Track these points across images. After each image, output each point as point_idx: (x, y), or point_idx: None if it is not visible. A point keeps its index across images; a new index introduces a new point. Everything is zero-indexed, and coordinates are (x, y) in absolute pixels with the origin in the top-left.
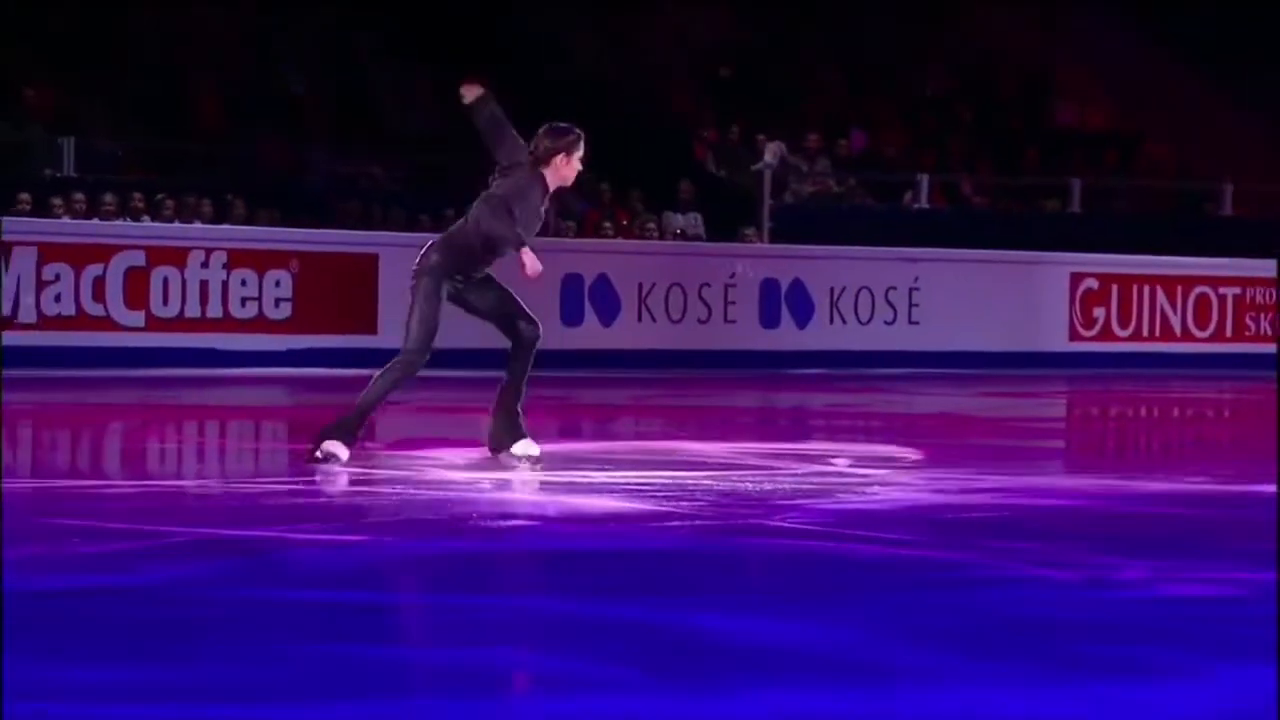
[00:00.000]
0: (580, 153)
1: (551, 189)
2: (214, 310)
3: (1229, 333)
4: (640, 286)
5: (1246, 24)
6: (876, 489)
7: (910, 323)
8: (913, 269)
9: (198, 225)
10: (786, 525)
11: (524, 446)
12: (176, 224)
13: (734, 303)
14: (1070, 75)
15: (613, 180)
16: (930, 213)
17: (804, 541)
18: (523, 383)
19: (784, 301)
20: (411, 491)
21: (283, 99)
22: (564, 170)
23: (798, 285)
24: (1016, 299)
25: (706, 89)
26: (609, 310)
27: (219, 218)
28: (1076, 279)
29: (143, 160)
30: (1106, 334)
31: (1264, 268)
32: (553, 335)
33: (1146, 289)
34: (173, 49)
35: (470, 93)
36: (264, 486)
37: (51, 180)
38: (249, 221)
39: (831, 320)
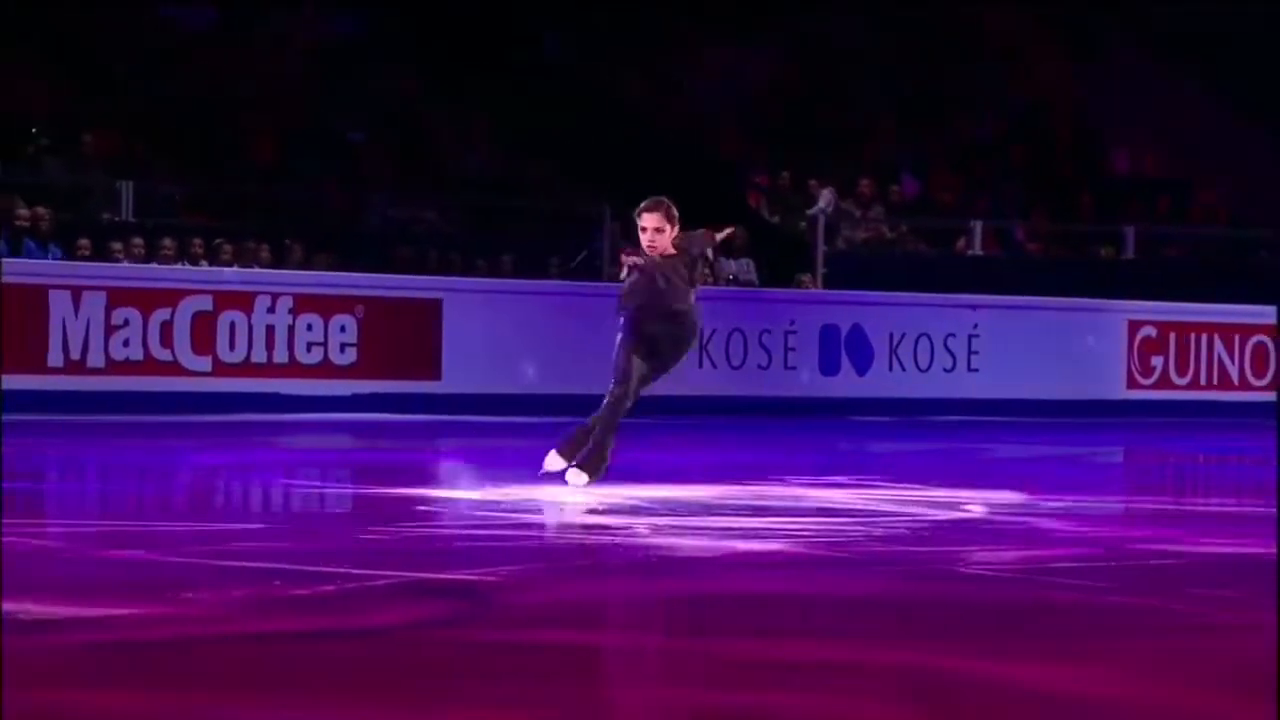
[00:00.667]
0: (641, 222)
1: None
2: (280, 355)
3: None
4: (701, 333)
5: None
6: (1033, 534)
7: (970, 370)
8: (972, 316)
9: (265, 270)
10: (975, 571)
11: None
12: (239, 268)
13: (794, 349)
14: (1122, 122)
15: None
16: (985, 259)
17: (1006, 588)
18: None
19: (844, 348)
20: (577, 535)
21: (340, 143)
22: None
23: (857, 332)
24: (1075, 347)
25: (756, 133)
26: None
27: (277, 262)
28: (1134, 327)
29: (200, 204)
30: (1164, 382)
31: None
32: None
33: (1204, 337)
34: (230, 92)
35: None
36: (436, 530)
37: (110, 224)
38: (307, 265)
39: (891, 368)
